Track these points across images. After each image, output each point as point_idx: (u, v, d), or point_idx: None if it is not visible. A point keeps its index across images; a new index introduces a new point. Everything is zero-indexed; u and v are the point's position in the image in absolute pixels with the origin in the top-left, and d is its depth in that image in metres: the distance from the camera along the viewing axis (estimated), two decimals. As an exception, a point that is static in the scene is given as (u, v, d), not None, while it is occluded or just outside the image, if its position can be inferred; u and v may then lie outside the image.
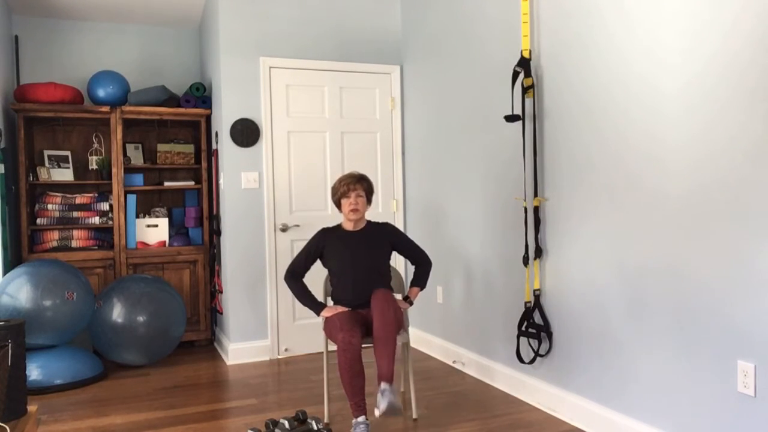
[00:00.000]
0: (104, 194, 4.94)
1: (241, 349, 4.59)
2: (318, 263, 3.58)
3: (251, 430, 3.03)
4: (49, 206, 4.75)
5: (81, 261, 4.69)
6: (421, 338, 4.83)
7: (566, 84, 3.23)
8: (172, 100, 4.94)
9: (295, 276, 3.47)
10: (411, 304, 3.52)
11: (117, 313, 4.25)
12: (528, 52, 3.41)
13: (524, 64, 3.41)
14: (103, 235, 4.94)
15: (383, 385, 2.97)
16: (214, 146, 5.00)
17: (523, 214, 3.57)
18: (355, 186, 3.41)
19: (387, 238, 3.52)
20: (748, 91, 2.30)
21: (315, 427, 3.05)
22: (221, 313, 4.91)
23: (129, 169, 5.06)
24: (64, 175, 4.92)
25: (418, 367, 4.31)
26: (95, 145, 5.14)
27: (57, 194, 4.80)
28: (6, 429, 2.18)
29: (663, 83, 2.66)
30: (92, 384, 4.12)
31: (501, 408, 3.47)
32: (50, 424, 3.39)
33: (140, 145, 5.22)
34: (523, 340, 3.60)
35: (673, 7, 2.60)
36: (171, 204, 5.38)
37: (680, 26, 2.57)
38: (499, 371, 3.81)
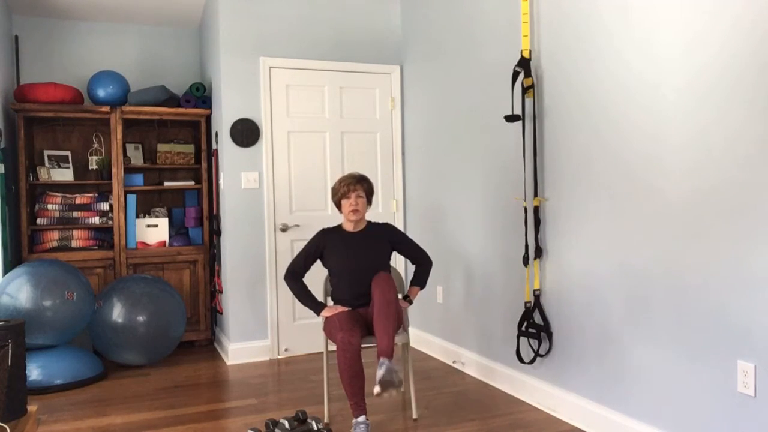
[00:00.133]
0: (104, 194, 4.94)
1: (241, 349, 4.59)
2: (318, 263, 3.58)
3: (251, 430, 3.03)
4: (49, 206, 4.75)
5: (81, 261, 4.69)
6: (421, 338, 4.83)
7: (566, 84, 3.23)
8: (172, 100, 4.94)
9: (295, 276, 3.47)
10: (411, 303, 3.52)
11: (117, 313, 4.25)
12: (528, 52, 3.41)
13: (524, 64, 3.41)
14: (103, 235, 4.94)
15: (382, 359, 2.97)
16: (214, 146, 5.00)
17: (523, 214, 3.57)
18: (356, 187, 3.41)
19: (387, 238, 3.52)
20: (747, 91, 2.30)
21: (315, 427, 3.05)
22: (221, 313, 4.91)
23: (129, 169, 5.06)
24: (64, 175, 4.92)
25: (418, 367, 4.31)
26: (95, 145, 5.14)
27: (57, 194, 4.80)
28: (6, 429, 2.18)
29: (663, 83, 2.66)
30: (92, 384, 4.12)
31: (501, 408, 3.48)
32: (50, 424, 3.39)
33: (140, 145, 5.22)
34: (523, 340, 3.60)
35: (673, 7, 2.60)
36: (171, 204, 5.38)
37: (680, 27, 2.57)
38: (499, 371, 3.81)
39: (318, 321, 4.75)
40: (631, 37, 2.82)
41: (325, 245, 3.48)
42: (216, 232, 4.88)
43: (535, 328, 3.43)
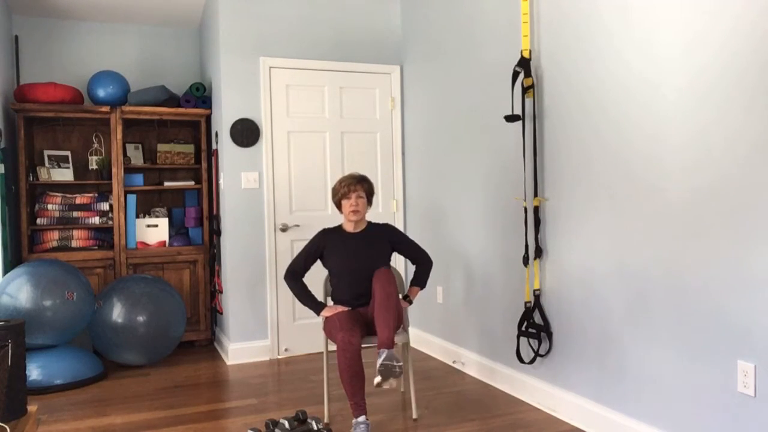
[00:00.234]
0: (104, 194, 4.94)
1: (241, 349, 4.59)
2: (318, 263, 3.58)
3: (251, 430, 3.03)
4: (49, 206, 4.75)
5: (81, 261, 4.69)
6: (421, 338, 4.83)
7: (566, 84, 3.23)
8: (172, 100, 4.94)
9: (295, 276, 3.47)
10: (410, 303, 3.52)
11: (117, 313, 4.25)
12: (528, 52, 3.41)
13: (524, 64, 3.41)
14: (103, 235, 4.94)
15: (382, 350, 2.97)
16: (214, 146, 5.00)
17: (523, 214, 3.57)
18: (356, 187, 3.41)
19: (387, 238, 3.52)
20: (747, 91, 2.30)
21: (315, 427, 3.05)
22: (221, 313, 4.91)
23: (129, 169, 5.06)
24: (64, 175, 4.92)
25: (418, 367, 4.31)
26: (95, 145, 5.14)
27: (57, 194, 4.80)
28: (6, 429, 2.18)
29: (663, 83, 2.66)
30: (92, 384, 4.12)
31: (501, 408, 3.48)
32: (50, 424, 3.39)
33: (140, 145, 5.22)
34: (523, 340, 3.60)
35: (673, 7, 2.60)
36: (171, 204, 5.38)
37: (680, 27, 2.57)
38: (499, 371, 3.81)
39: (318, 321, 4.75)
40: (631, 37, 2.82)
41: (325, 245, 3.48)
42: (216, 232, 4.87)
43: (535, 328, 3.43)
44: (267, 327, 4.67)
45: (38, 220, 4.72)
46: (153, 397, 3.84)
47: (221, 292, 4.82)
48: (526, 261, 3.47)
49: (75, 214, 4.81)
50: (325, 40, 4.82)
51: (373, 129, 4.99)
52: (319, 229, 3.59)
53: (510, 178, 3.70)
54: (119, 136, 4.78)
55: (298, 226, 4.76)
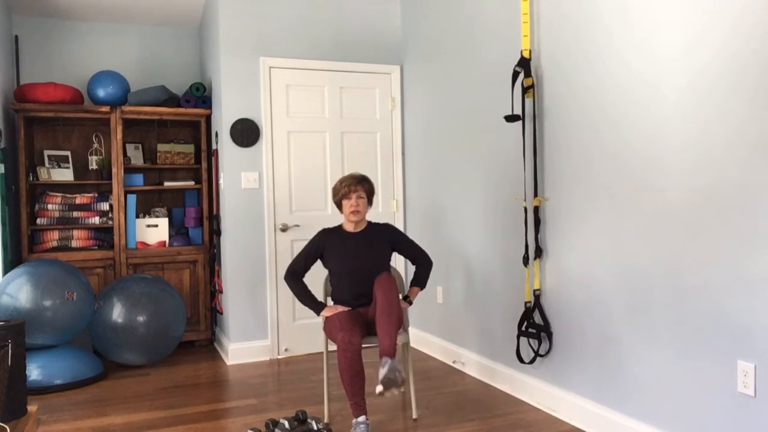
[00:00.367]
0: (104, 194, 4.94)
1: (241, 349, 4.59)
2: (318, 263, 3.58)
3: (251, 430, 3.03)
4: (49, 206, 4.75)
5: (81, 261, 4.69)
6: (421, 338, 4.83)
7: (566, 84, 3.23)
8: (172, 100, 4.94)
9: (295, 276, 3.47)
10: (411, 303, 3.52)
11: (117, 313, 4.25)
12: (528, 52, 3.41)
13: (524, 64, 3.41)
14: (103, 235, 4.94)
15: (384, 359, 2.97)
16: (214, 146, 5.00)
17: (523, 214, 3.57)
18: (356, 187, 3.41)
19: (387, 238, 3.52)
20: (747, 91, 2.30)
21: (315, 427, 3.05)
22: (221, 313, 4.91)
23: (129, 169, 5.06)
24: (64, 175, 4.92)
25: (418, 367, 4.31)
26: (95, 145, 5.14)
27: (57, 194, 4.80)
28: (6, 429, 2.18)
29: (663, 83, 2.66)
30: (92, 384, 4.12)
31: (501, 408, 3.48)
32: (50, 424, 3.39)
33: (140, 145, 5.22)
34: (523, 340, 3.60)
35: (673, 7, 2.60)
36: (171, 204, 5.38)
37: (680, 27, 2.57)
38: (499, 371, 3.81)
39: (318, 321, 4.75)
40: (631, 37, 2.82)
41: (325, 245, 3.48)
42: (216, 232, 4.88)
43: (535, 328, 3.43)
44: (267, 327, 4.67)
45: (38, 220, 4.72)
46: (153, 397, 3.84)
47: (221, 292, 4.82)
48: (526, 261, 3.47)
49: (75, 214, 4.81)
50: (325, 40, 4.82)
51: (373, 129, 4.99)
52: (319, 229, 3.59)
53: (510, 178, 3.70)
54: (119, 136, 4.78)
55: (298, 226, 4.76)
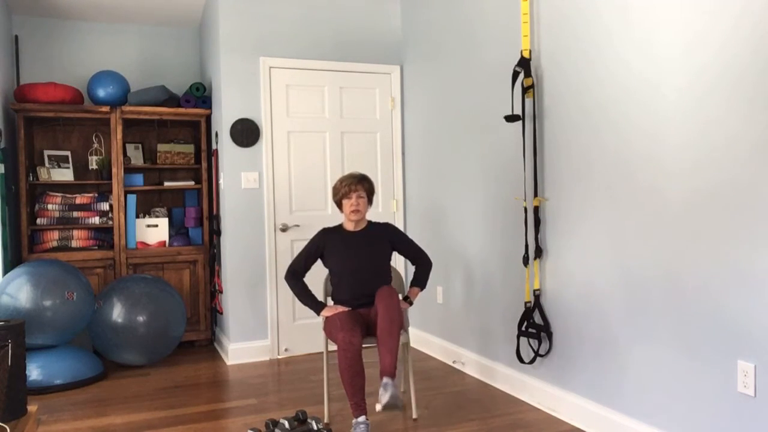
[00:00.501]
0: (104, 194, 4.94)
1: (241, 349, 4.59)
2: (318, 263, 3.58)
3: (251, 430, 3.03)
4: (49, 206, 4.75)
5: (81, 261, 4.69)
6: (421, 338, 4.83)
7: (566, 84, 3.23)
8: (172, 100, 4.94)
9: (295, 275, 3.47)
10: (411, 304, 3.52)
11: (117, 313, 4.25)
12: (528, 52, 3.41)
13: (524, 64, 3.41)
14: (103, 235, 4.94)
15: (385, 380, 2.97)
16: (214, 146, 5.00)
17: (523, 214, 3.57)
18: (357, 187, 3.41)
19: (387, 238, 3.52)
20: (748, 91, 2.30)
21: (315, 427, 3.05)
22: (221, 313, 4.91)
23: (129, 169, 5.06)
24: (64, 175, 4.92)
25: (418, 367, 4.31)
26: (95, 145, 5.14)
27: (57, 194, 4.80)
28: (6, 429, 2.18)
29: (663, 83, 2.66)
30: (92, 384, 4.12)
31: (501, 408, 3.48)
32: (50, 424, 3.39)
33: (140, 145, 5.22)
34: (523, 340, 3.60)
35: (673, 7, 2.60)
36: (171, 204, 5.38)
37: (680, 27, 2.57)
38: (499, 371, 3.81)
39: (318, 321, 4.75)
40: (631, 37, 2.82)
41: (325, 245, 3.48)
42: (216, 232, 4.88)
43: (535, 328, 3.43)
44: (267, 327, 4.67)
45: (38, 220, 4.72)
46: (153, 397, 3.84)
47: (221, 292, 4.82)
48: (526, 261, 3.47)
49: (75, 214, 4.81)
50: (325, 40, 4.82)
51: (373, 129, 4.99)
52: (319, 228, 3.59)
53: (510, 178, 3.70)
54: (119, 136, 4.78)
55: (298, 226, 4.76)
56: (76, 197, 4.83)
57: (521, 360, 3.51)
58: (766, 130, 2.24)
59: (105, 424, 3.38)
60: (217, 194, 4.91)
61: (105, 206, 4.88)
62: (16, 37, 5.00)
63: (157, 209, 5.19)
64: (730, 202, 2.38)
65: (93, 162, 5.06)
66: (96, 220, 4.84)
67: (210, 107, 5.03)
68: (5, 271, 4.28)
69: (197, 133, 5.20)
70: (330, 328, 3.26)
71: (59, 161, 4.96)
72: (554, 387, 3.37)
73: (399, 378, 3.86)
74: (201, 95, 5.01)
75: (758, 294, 2.29)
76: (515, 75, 3.46)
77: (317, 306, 3.42)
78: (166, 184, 5.05)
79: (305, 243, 3.65)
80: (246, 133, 4.60)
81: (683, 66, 2.56)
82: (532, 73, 3.45)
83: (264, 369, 4.40)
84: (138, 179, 4.99)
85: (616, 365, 2.96)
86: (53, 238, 4.75)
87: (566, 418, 3.26)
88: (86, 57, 5.22)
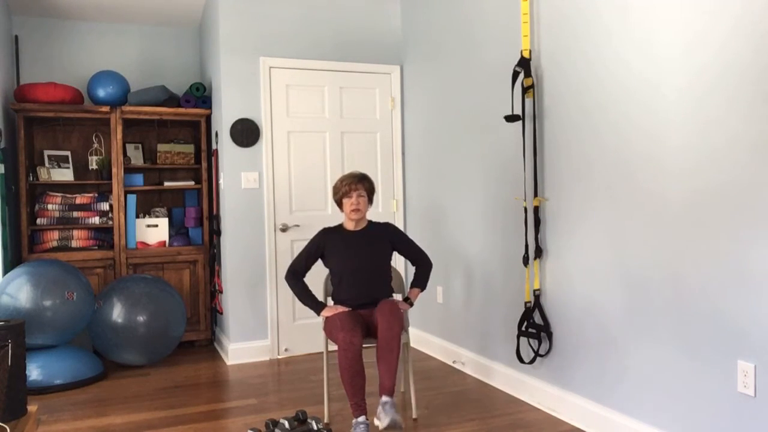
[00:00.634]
0: (104, 194, 4.94)
1: (241, 349, 4.59)
2: (319, 263, 3.58)
3: (251, 430, 3.03)
4: (49, 206, 4.75)
5: (81, 261, 4.69)
6: (421, 338, 4.83)
7: (566, 84, 3.23)
8: (172, 100, 4.94)
9: (296, 275, 3.47)
10: (411, 305, 3.52)
11: (117, 313, 4.25)
12: (528, 52, 3.41)
13: (524, 64, 3.41)
14: (103, 235, 4.94)
15: (384, 398, 2.98)
16: (214, 146, 5.00)
17: (523, 214, 3.57)
18: (357, 186, 3.41)
19: (388, 238, 3.52)
20: (748, 91, 2.30)
21: (315, 427, 3.05)
22: (221, 313, 4.91)
23: (129, 169, 5.06)
24: (64, 175, 4.92)
25: (418, 367, 4.31)
26: (95, 145, 5.14)
27: (57, 194, 4.80)
28: (6, 429, 2.18)
29: (663, 83, 2.66)
30: (92, 384, 4.12)
31: (501, 408, 3.48)
32: (50, 424, 3.39)
33: (140, 145, 5.22)
34: (523, 340, 3.60)
35: (673, 7, 2.60)
36: (171, 204, 5.38)
37: (680, 27, 2.57)
38: (499, 371, 3.81)
39: (318, 321, 4.75)
40: (631, 37, 2.82)
41: (326, 245, 3.48)
42: (216, 232, 4.88)
43: (535, 328, 3.43)
44: (267, 327, 4.67)
45: (38, 220, 4.72)
46: (153, 397, 3.84)
47: (221, 292, 4.82)
48: (526, 261, 3.47)
49: (75, 214, 4.81)
50: (325, 40, 4.82)
51: (373, 129, 4.99)
52: (319, 228, 3.59)
53: (510, 178, 3.70)
54: (119, 136, 4.78)
55: (298, 226, 4.76)
56: (76, 197, 4.83)
57: (521, 360, 3.51)
58: (766, 131, 2.24)
59: (105, 424, 3.38)
60: (217, 194, 4.91)
61: (105, 206, 4.88)
62: (16, 37, 5.00)
63: (157, 209, 5.19)
64: (730, 202, 2.38)
65: (93, 162, 5.06)
66: (96, 220, 4.84)
67: (210, 107, 5.03)
68: (5, 271, 4.28)
69: (197, 133, 5.20)
70: (330, 328, 3.26)
71: (59, 161, 4.96)
72: (554, 387, 3.37)
73: (398, 381, 3.86)
74: (201, 95, 5.01)
75: (758, 294, 2.29)
76: (515, 75, 3.46)
77: (317, 306, 3.41)
78: (166, 184, 5.05)
79: (305, 243, 3.64)
80: (246, 133, 4.60)
81: (683, 66, 2.56)
82: (532, 73, 3.45)
83: (264, 369, 4.40)
84: (138, 179, 4.99)
85: (616, 365, 2.96)
86: (53, 238, 4.75)
87: (566, 418, 3.26)
88: (86, 57, 5.22)
